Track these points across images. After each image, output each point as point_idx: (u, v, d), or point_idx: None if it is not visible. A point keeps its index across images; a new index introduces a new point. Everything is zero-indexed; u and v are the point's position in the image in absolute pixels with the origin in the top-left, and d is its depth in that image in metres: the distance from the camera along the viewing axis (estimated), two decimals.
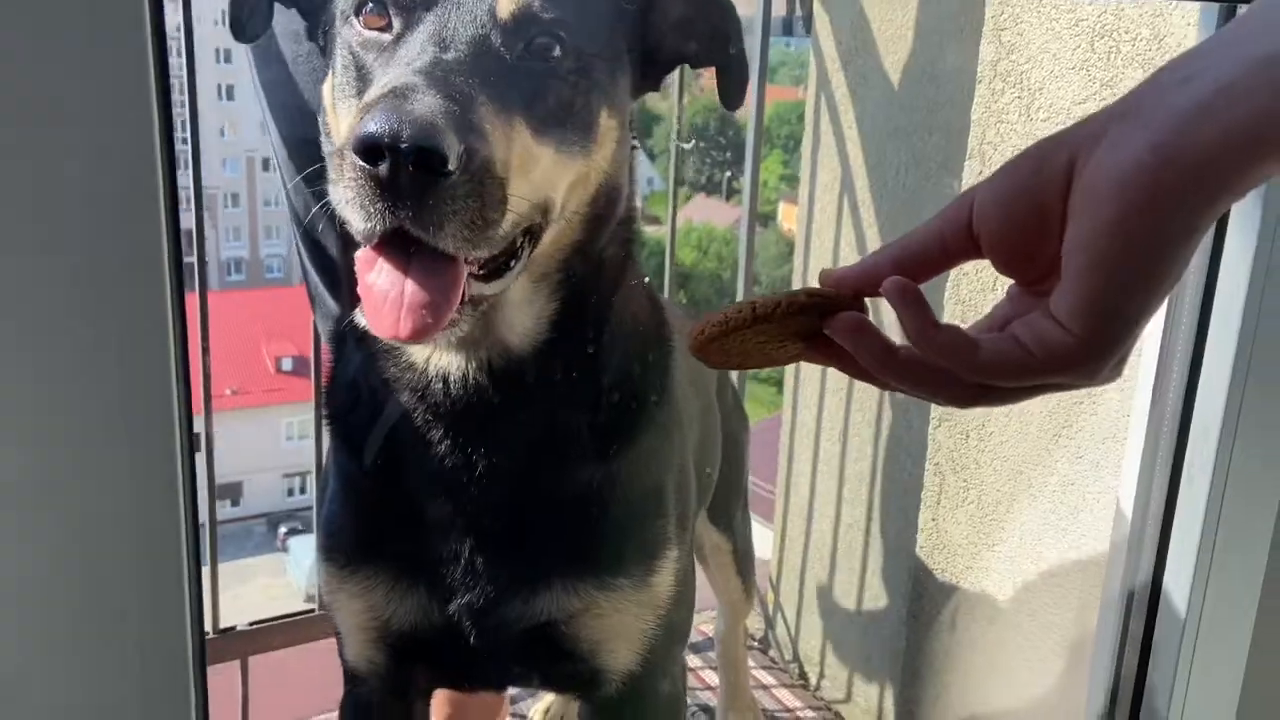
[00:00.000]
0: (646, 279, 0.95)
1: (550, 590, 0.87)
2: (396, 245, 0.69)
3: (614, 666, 0.91)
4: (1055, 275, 0.50)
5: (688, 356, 0.62)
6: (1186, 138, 0.45)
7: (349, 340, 0.92)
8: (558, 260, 0.83)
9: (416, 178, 0.64)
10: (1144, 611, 1.06)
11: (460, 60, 0.70)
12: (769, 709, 1.94)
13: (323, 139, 0.86)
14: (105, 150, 0.52)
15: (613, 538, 0.90)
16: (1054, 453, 1.35)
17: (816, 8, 2.07)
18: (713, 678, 1.85)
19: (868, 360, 0.54)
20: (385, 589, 0.89)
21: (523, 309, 0.83)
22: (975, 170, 1.45)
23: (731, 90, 0.86)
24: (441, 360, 0.84)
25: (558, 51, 0.75)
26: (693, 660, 2.02)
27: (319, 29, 0.85)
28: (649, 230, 1.89)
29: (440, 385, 0.84)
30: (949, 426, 1.53)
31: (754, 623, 2.09)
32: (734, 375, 1.52)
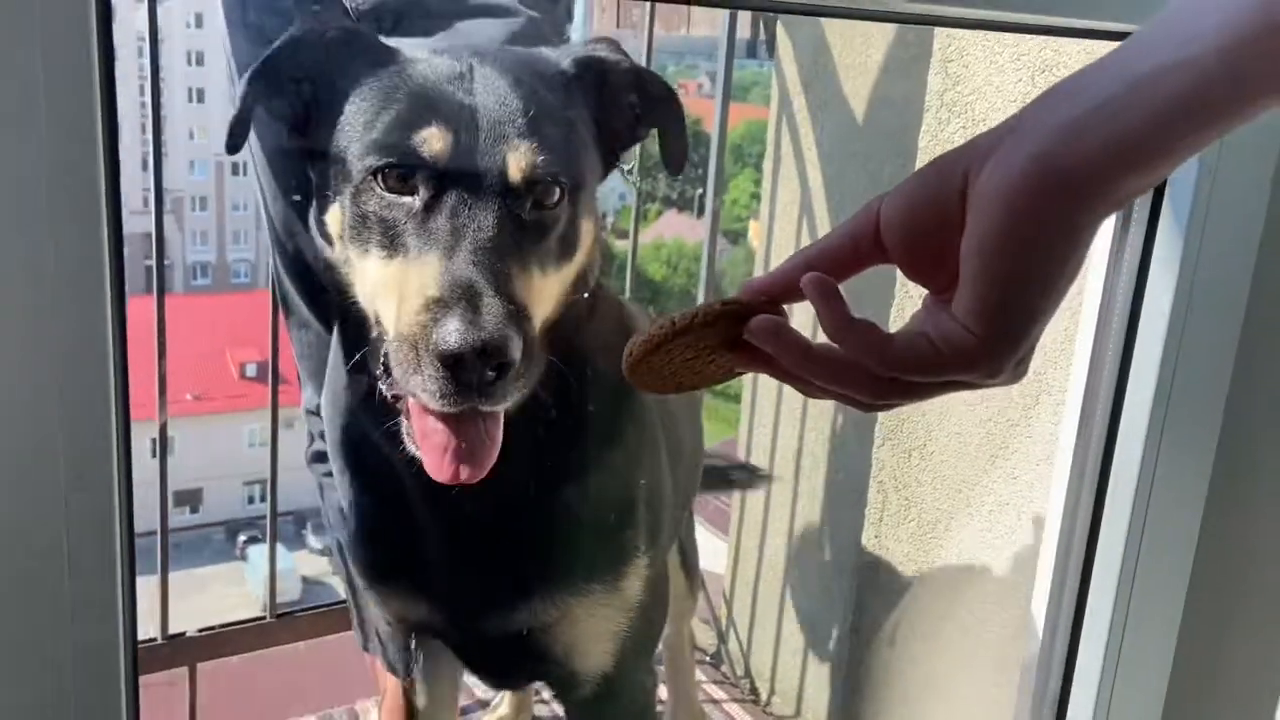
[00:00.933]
0: (624, 298, 1.01)
1: (529, 602, 0.98)
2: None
3: (588, 668, 1.01)
4: (952, 274, 0.52)
5: None
6: (1063, 151, 0.48)
7: (356, 399, 1.00)
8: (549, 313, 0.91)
9: (489, 375, 0.76)
10: (1068, 629, 1.10)
11: (492, 237, 0.80)
12: None
13: (322, 251, 0.93)
14: (47, 152, 0.53)
15: (585, 550, 1.00)
16: (991, 473, 1.38)
17: (780, 33, 2.11)
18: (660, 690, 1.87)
19: (787, 359, 0.56)
20: (400, 600, 1.05)
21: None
22: None
23: (673, 159, 0.95)
24: None
25: (556, 195, 0.85)
26: None
27: (317, 164, 0.91)
28: (619, 245, 1.92)
29: None
30: (892, 445, 1.56)
31: (706, 638, 2.11)
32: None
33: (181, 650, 1.87)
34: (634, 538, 1.02)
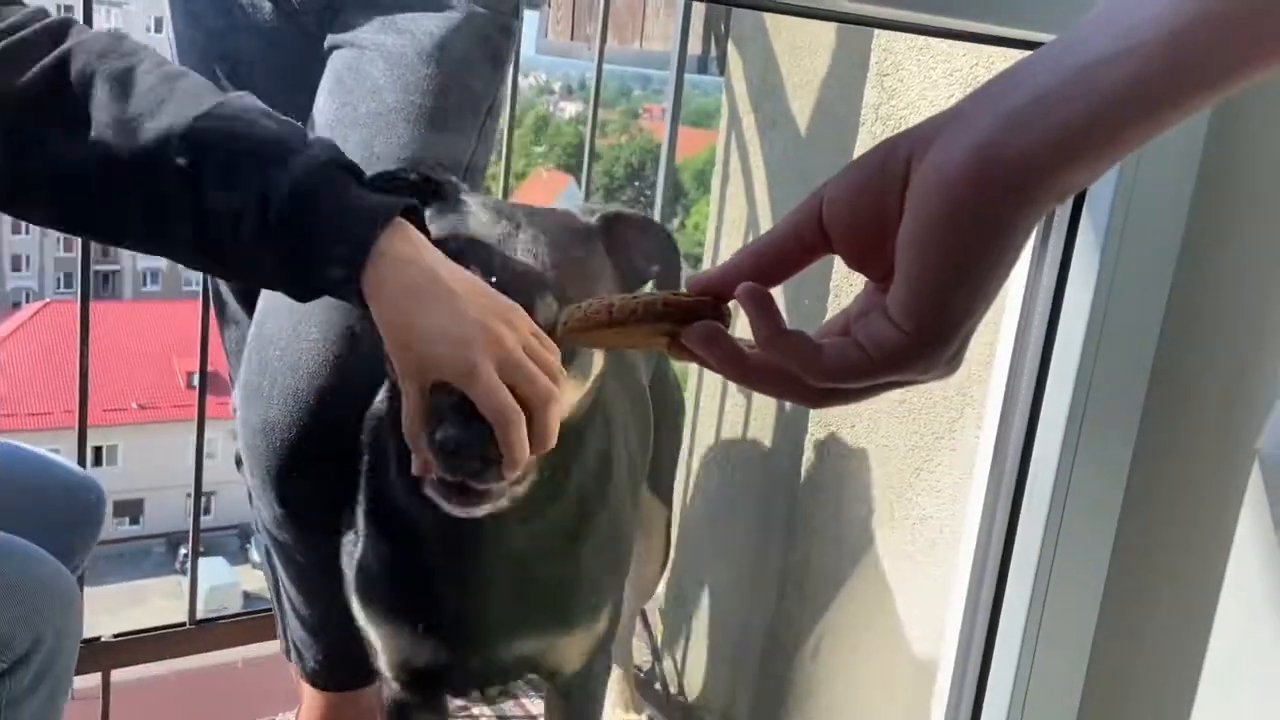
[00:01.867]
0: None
1: (525, 639, 1.19)
2: None
3: (567, 670, 1.25)
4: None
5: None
6: (1004, 141, 0.47)
7: (387, 447, 1.13)
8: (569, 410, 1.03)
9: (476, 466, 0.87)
10: (982, 641, 1.10)
11: None
12: None
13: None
14: None
15: (574, 601, 1.21)
16: (915, 486, 1.39)
17: (731, 50, 2.12)
18: None
19: (721, 367, 0.56)
20: (406, 637, 1.18)
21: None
22: None
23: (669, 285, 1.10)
24: None
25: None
26: None
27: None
28: None
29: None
30: (818, 456, 1.57)
31: (641, 655, 2.09)
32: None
33: (97, 655, 1.81)
34: (616, 580, 1.28)
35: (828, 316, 1.52)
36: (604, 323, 0.56)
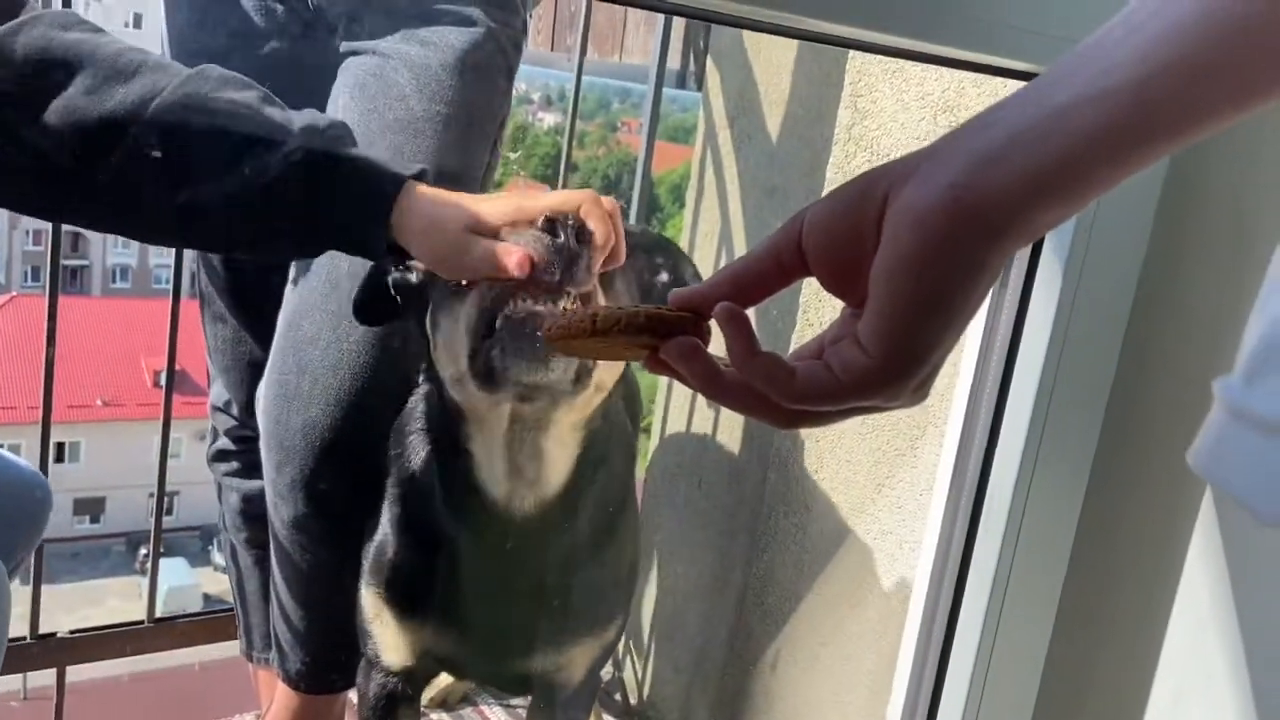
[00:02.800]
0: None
1: (538, 653, 1.24)
2: None
3: (571, 683, 1.28)
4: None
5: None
6: (978, 180, 0.48)
7: (421, 439, 1.20)
8: (589, 416, 1.10)
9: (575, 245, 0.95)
10: (937, 657, 1.11)
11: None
12: None
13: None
14: None
15: (586, 616, 1.25)
16: (877, 501, 1.40)
17: (709, 65, 2.14)
18: None
19: (696, 383, 0.57)
20: (429, 635, 1.22)
21: (563, 449, 1.11)
22: None
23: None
24: (497, 488, 1.11)
25: None
26: None
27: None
28: None
29: (490, 508, 1.12)
30: (784, 470, 1.58)
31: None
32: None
33: (51, 651, 1.78)
34: (624, 599, 1.33)
35: (796, 331, 1.54)
36: (587, 331, 0.57)
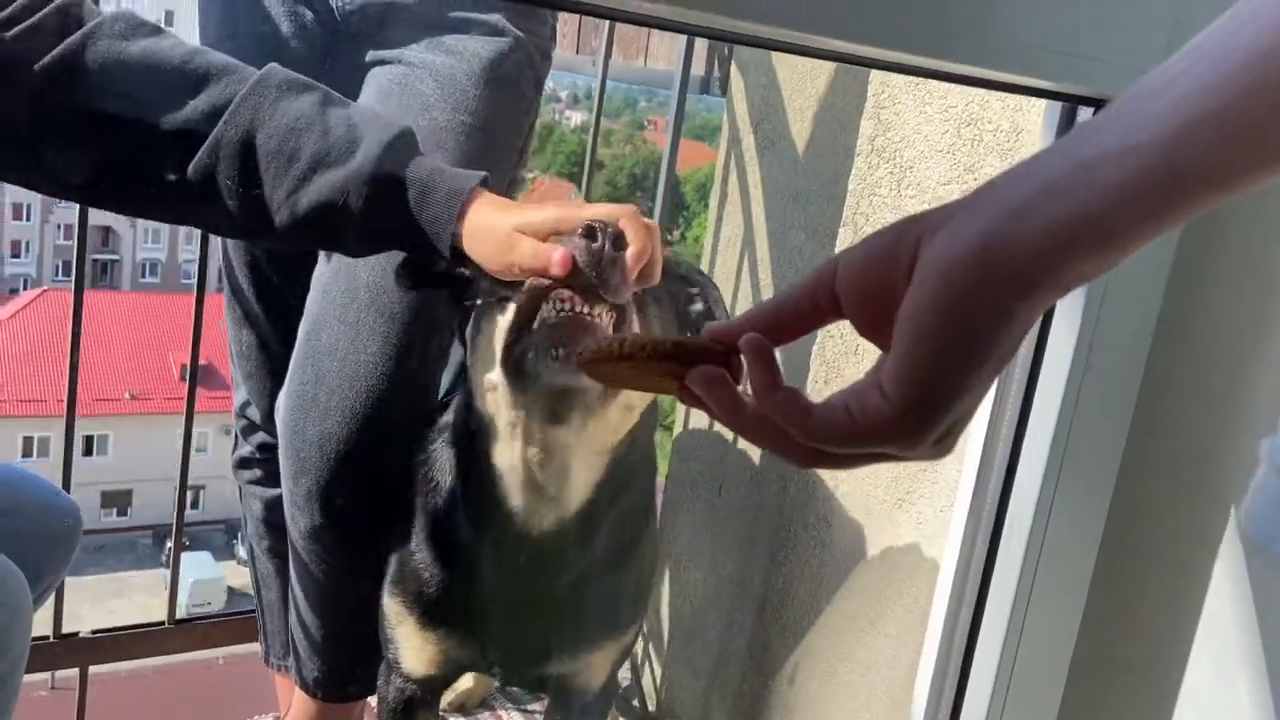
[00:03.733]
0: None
1: (560, 658, 1.27)
2: None
3: (589, 687, 1.31)
4: None
5: None
6: (1010, 230, 0.47)
7: (449, 459, 1.23)
8: (616, 441, 1.13)
9: (612, 252, 0.97)
10: (956, 675, 1.10)
11: None
12: None
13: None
14: None
15: (604, 621, 1.28)
16: (896, 517, 1.39)
17: (733, 71, 2.14)
18: None
19: (718, 412, 0.57)
20: (450, 643, 1.25)
21: (588, 472, 1.13)
22: (847, 238, 1.51)
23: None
24: (519, 503, 1.13)
25: None
26: None
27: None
28: None
29: (510, 523, 1.14)
30: (801, 482, 1.57)
31: (621, 672, 2.09)
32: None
33: (74, 651, 1.80)
34: (642, 604, 1.36)
35: (812, 358, 1.53)
36: (615, 355, 0.58)
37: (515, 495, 1.13)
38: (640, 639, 2.09)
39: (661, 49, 2.83)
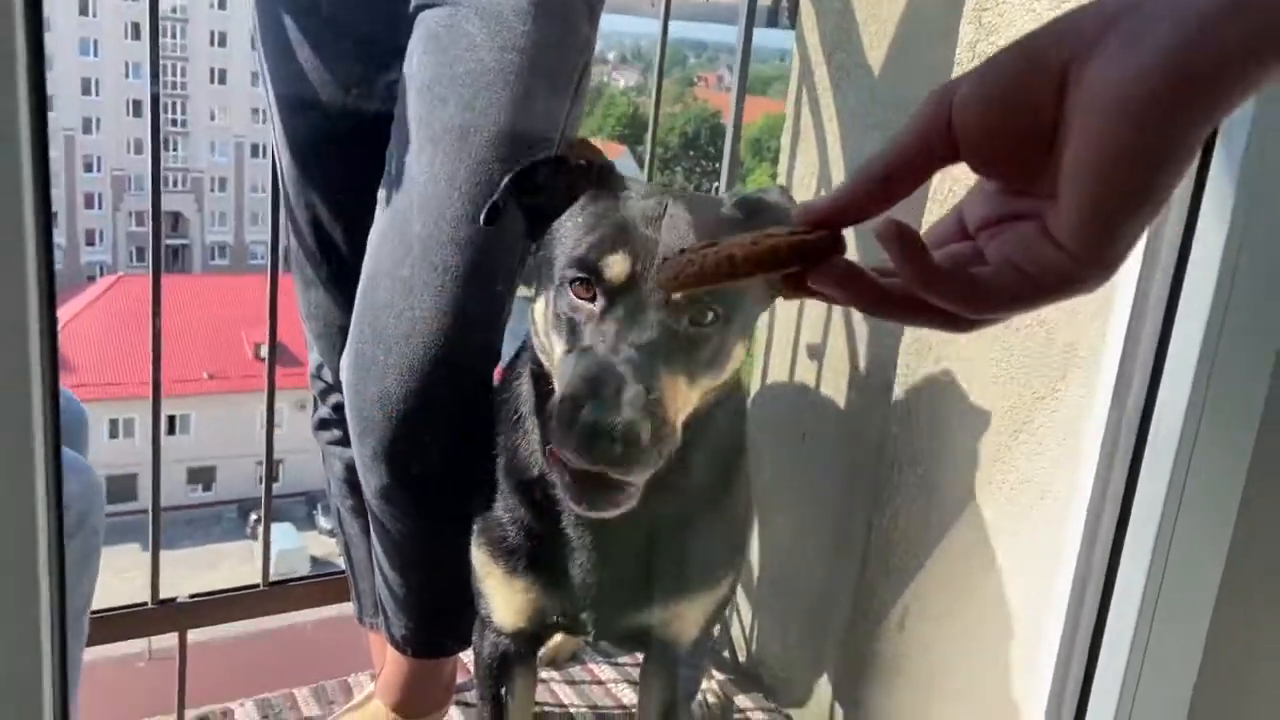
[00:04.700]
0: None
1: (651, 608, 1.23)
2: None
3: (684, 638, 1.28)
4: (1042, 178, 0.47)
5: None
6: (1197, 52, 0.41)
7: (523, 419, 1.20)
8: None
9: (618, 449, 0.93)
10: (1093, 618, 1.03)
11: (649, 342, 0.98)
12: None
13: (530, 333, 1.16)
14: None
15: (699, 570, 1.24)
16: (1013, 449, 1.31)
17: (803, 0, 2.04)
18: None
19: (861, 304, 0.52)
20: (538, 592, 1.23)
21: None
22: None
23: None
24: None
25: (710, 317, 1.02)
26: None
27: (540, 252, 1.13)
28: None
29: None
30: (905, 420, 1.50)
31: None
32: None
33: (172, 615, 1.83)
34: (738, 553, 1.34)
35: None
36: (727, 274, 0.53)
37: None
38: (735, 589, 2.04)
39: None
